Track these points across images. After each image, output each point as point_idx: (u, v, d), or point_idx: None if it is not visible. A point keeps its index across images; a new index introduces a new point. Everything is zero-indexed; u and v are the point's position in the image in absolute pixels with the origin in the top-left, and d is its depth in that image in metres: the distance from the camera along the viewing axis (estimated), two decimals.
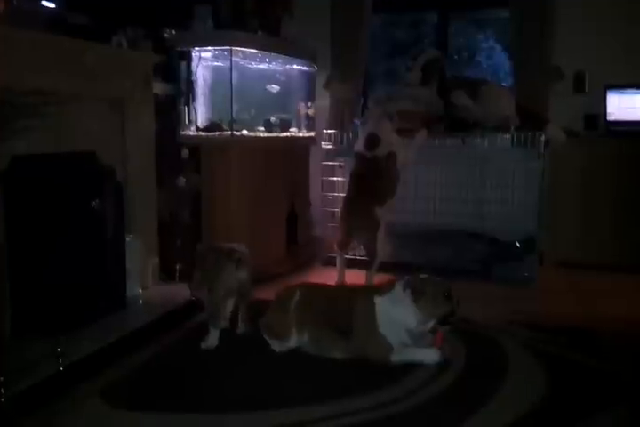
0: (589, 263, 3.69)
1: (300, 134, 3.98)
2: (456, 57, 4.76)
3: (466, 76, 4.43)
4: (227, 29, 3.35)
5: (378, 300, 2.24)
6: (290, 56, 3.82)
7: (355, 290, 2.60)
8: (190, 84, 3.43)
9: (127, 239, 2.75)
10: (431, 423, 1.83)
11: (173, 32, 3.32)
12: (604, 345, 2.46)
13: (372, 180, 3.19)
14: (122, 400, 1.94)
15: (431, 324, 2.21)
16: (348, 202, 3.24)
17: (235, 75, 3.32)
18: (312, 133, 4.06)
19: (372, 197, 3.16)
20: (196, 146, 3.34)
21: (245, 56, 3.49)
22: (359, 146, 3.30)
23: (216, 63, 3.52)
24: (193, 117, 3.45)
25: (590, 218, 3.79)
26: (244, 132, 3.48)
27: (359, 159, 3.28)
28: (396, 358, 2.19)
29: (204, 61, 3.48)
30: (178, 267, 3.12)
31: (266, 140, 3.64)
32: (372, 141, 3.23)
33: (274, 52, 3.64)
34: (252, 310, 2.53)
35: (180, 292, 2.86)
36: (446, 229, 3.70)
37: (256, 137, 3.58)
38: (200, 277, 2.53)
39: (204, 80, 3.55)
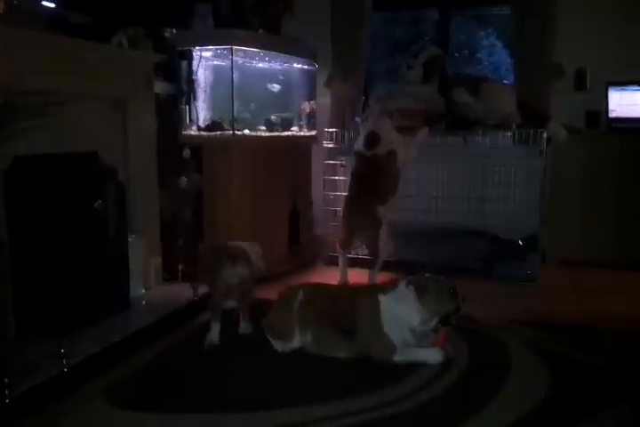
0: (591, 261, 3.69)
1: (302, 133, 3.98)
2: (457, 54, 4.75)
3: (467, 73, 4.42)
4: (227, 28, 3.35)
5: (381, 298, 2.24)
6: (291, 54, 3.82)
7: (358, 289, 2.60)
8: (191, 84, 3.43)
9: (130, 239, 2.75)
10: (434, 423, 1.83)
11: (174, 31, 3.32)
12: (607, 343, 2.46)
13: (372, 178, 3.19)
14: (125, 401, 1.95)
15: (434, 322, 2.21)
16: (350, 201, 3.24)
17: (236, 74, 3.32)
18: (313, 132, 4.06)
19: (374, 195, 3.16)
20: (197, 145, 3.34)
21: (246, 55, 3.49)
22: (359, 144, 3.30)
23: (217, 62, 3.52)
24: (194, 117, 3.45)
25: (592, 215, 3.79)
26: (246, 131, 3.48)
27: (359, 158, 3.28)
28: (399, 357, 2.19)
29: (205, 60, 3.48)
30: (180, 267, 3.12)
31: (267, 140, 3.64)
32: (372, 140, 3.23)
33: (275, 51, 3.63)
34: (255, 309, 2.53)
35: (183, 292, 2.87)
36: (448, 228, 3.70)
37: (257, 136, 3.58)
38: (201, 275, 2.57)
39: (205, 79, 3.54)
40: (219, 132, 3.40)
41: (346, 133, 3.81)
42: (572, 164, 3.80)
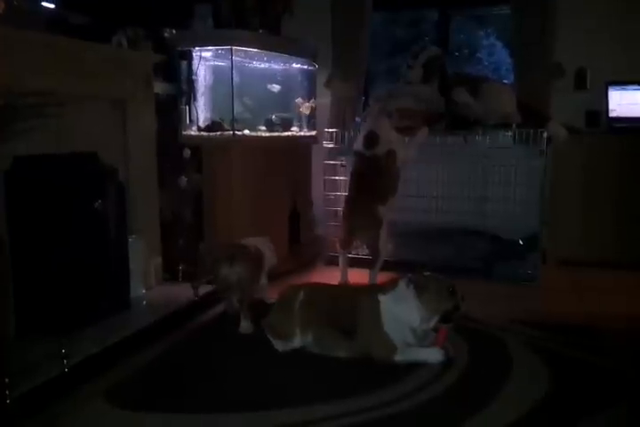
0: (591, 261, 3.69)
1: (302, 133, 3.98)
2: (457, 54, 4.75)
3: (467, 73, 4.40)
4: (227, 28, 3.35)
5: (382, 298, 2.24)
6: (291, 55, 3.82)
7: (358, 289, 2.60)
8: (191, 84, 3.43)
9: (130, 240, 2.75)
10: (435, 422, 1.83)
11: (174, 31, 3.32)
12: (607, 343, 2.46)
13: (372, 178, 3.19)
14: (125, 401, 1.95)
15: (434, 321, 2.21)
16: (350, 201, 3.24)
17: (235, 74, 3.32)
18: (313, 132, 4.06)
19: (374, 195, 3.16)
20: (197, 146, 3.34)
21: (246, 55, 3.48)
22: (358, 144, 3.30)
23: (217, 62, 3.52)
24: (194, 117, 3.45)
25: (592, 215, 3.78)
26: (246, 131, 3.47)
27: (359, 158, 3.28)
28: (399, 357, 2.19)
29: (205, 61, 3.48)
30: (181, 267, 3.12)
31: (267, 140, 3.63)
32: (371, 140, 3.23)
33: (274, 51, 3.63)
34: (256, 309, 2.53)
35: (184, 292, 2.87)
36: (448, 228, 3.70)
37: (257, 136, 3.58)
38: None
39: (205, 79, 3.55)
40: (219, 133, 3.40)
41: (346, 133, 3.81)
42: (572, 163, 3.79)
